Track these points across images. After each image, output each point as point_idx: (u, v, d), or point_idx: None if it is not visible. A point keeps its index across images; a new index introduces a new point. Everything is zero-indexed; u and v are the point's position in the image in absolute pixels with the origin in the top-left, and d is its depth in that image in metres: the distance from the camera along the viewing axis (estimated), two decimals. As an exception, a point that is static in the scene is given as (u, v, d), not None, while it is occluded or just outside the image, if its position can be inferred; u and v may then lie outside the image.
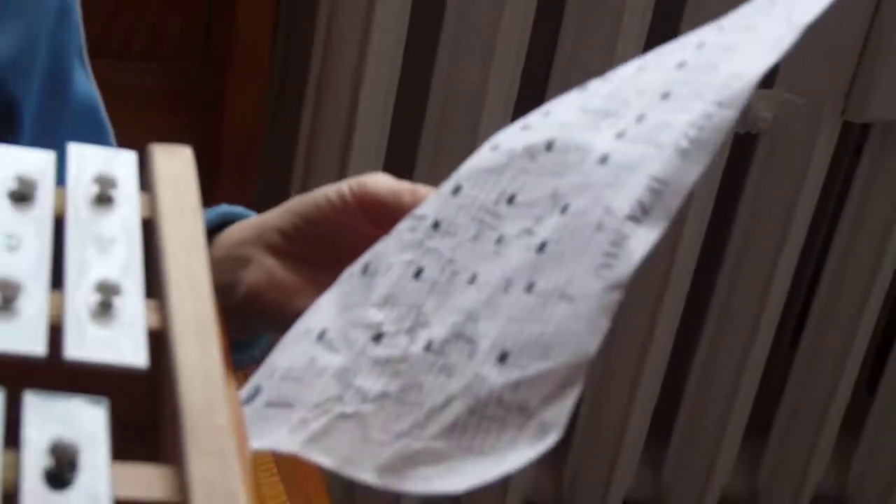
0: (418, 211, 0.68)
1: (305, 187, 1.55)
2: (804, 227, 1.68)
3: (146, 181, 0.50)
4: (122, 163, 0.50)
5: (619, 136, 0.61)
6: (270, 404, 0.64)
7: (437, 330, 0.60)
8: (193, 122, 1.39)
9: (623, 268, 0.55)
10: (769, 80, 1.57)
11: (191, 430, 0.41)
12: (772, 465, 1.87)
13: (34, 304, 0.44)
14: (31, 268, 0.45)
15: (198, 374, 0.43)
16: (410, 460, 0.56)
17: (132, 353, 0.43)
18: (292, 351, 0.66)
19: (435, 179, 1.60)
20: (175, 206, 0.48)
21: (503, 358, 0.56)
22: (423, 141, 1.57)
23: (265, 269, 0.75)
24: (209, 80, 1.40)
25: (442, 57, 1.53)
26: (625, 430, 1.77)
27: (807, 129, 1.60)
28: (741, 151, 1.64)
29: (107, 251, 0.46)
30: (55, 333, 0.43)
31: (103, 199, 0.48)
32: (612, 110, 0.64)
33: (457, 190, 0.67)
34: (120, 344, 0.44)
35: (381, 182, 0.74)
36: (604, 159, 0.60)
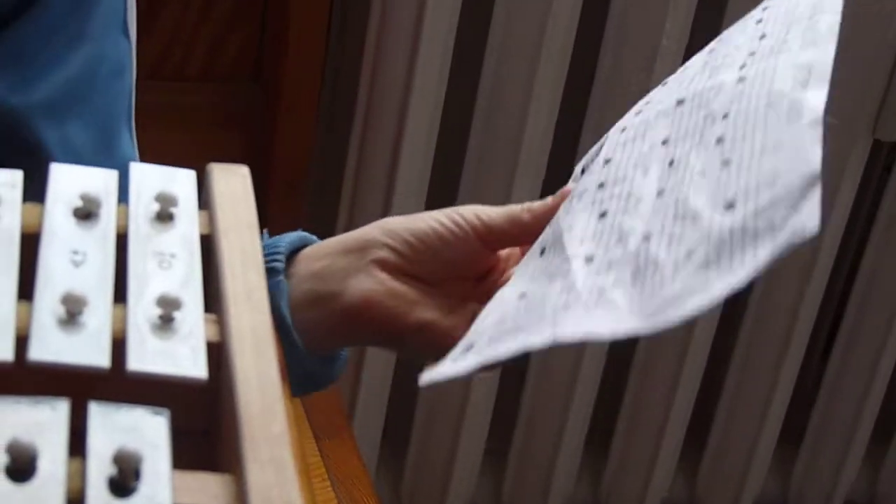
0: (574, 192, 0.73)
1: (354, 202, 1.57)
2: (836, 242, 1.69)
3: (205, 199, 0.51)
4: (181, 181, 0.51)
5: (742, 67, 0.68)
6: (494, 340, 0.65)
7: (648, 225, 0.64)
8: (247, 142, 1.41)
9: (811, 111, 0.60)
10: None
11: (249, 439, 0.42)
12: (804, 472, 1.87)
13: (98, 317, 0.45)
14: (95, 282, 0.46)
15: (255, 385, 0.44)
16: (672, 300, 0.57)
17: (192, 365, 0.45)
18: (496, 311, 0.69)
19: (480, 191, 1.61)
20: (233, 223, 0.50)
21: (729, 206, 0.59)
22: (468, 154, 1.59)
23: (379, 280, 0.77)
24: (262, 100, 1.41)
25: (486, 76, 1.55)
26: (661, 438, 1.78)
27: (838, 148, 1.61)
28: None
29: (167, 266, 0.48)
30: (118, 346, 0.45)
31: (164, 217, 0.50)
32: (718, 66, 0.72)
33: (607, 161, 0.73)
34: (180, 356, 0.45)
35: (490, 211, 0.78)
36: (741, 80, 0.67)
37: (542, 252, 0.72)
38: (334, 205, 1.58)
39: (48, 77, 0.78)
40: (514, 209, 0.78)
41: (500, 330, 0.66)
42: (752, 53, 0.70)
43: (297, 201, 1.40)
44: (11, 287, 0.45)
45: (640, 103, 0.79)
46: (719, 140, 0.65)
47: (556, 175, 1.57)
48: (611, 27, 1.54)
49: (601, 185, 0.71)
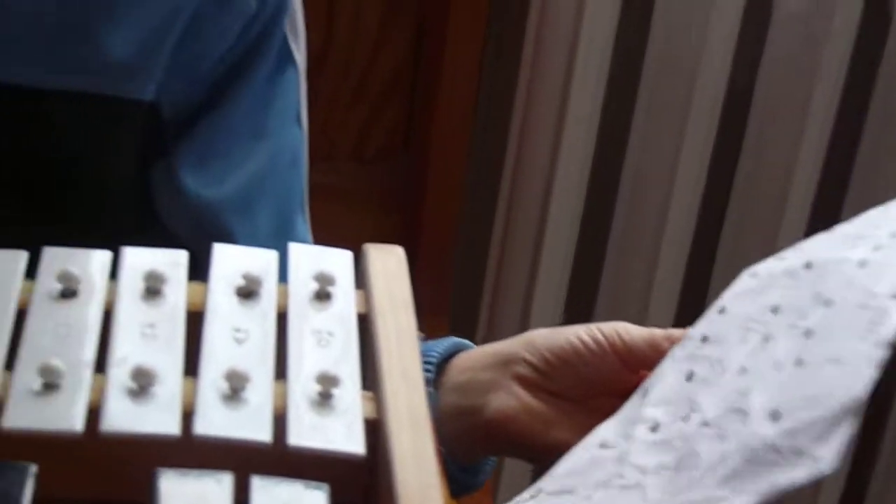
0: (688, 334, 0.71)
1: (498, 284, 1.58)
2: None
3: (361, 278, 0.53)
4: (338, 261, 0.53)
5: (876, 248, 0.65)
6: (551, 494, 0.65)
7: (711, 410, 0.63)
8: (397, 220, 1.43)
9: (887, 330, 0.58)
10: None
11: (405, 516, 0.43)
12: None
13: (259, 393, 0.46)
14: (256, 359, 0.48)
15: (412, 463, 0.45)
16: None
17: (350, 441, 0.46)
18: (574, 457, 0.68)
19: (628, 252, 1.61)
20: (388, 302, 0.51)
21: (775, 416, 0.58)
22: (614, 222, 1.61)
23: (517, 396, 0.78)
24: (410, 179, 1.43)
25: (632, 153, 1.57)
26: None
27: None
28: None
29: (325, 344, 0.49)
30: (279, 421, 0.46)
31: (322, 296, 0.51)
32: (864, 234, 0.67)
33: (722, 310, 0.70)
34: (338, 432, 0.46)
35: (633, 331, 0.78)
36: (863, 264, 0.64)
37: (643, 393, 0.70)
38: (479, 281, 1.60)
39: (236, 172, 0.81)
40: (656, 334, 0.77)
41: (560, 485, 0.65)
42: (894, 234, 0.66)
43: (444, 277, 1.42)
44: (178, 363, 0.47)
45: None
46: (808, 333, 0.62)
47: (695, 268, 1.57)
48: (754, 116, 1.55)
49: (704, 339, 0.70)
